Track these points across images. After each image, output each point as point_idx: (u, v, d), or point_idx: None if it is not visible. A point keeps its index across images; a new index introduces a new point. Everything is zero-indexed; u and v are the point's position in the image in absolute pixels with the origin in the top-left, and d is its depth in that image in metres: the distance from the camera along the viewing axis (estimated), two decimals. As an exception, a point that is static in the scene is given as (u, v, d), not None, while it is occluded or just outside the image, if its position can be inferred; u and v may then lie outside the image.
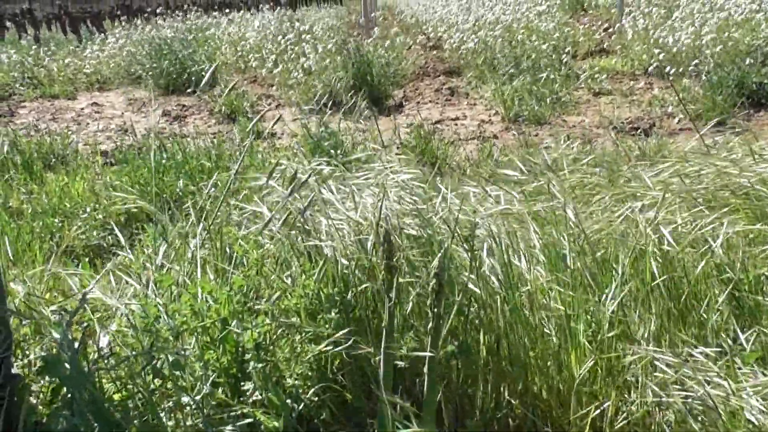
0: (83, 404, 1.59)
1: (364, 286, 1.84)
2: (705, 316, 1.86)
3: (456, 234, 1.90)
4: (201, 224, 2.37)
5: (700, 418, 1.58)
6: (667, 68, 6.94)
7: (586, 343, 1.79)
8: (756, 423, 1.48)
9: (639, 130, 5.65)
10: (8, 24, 13.62)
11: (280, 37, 9.06)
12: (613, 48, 8.71)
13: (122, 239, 2.78)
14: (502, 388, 1.86)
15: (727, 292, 1.78)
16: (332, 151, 4.73)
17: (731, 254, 1.88)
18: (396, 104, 7.25)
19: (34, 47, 10.84)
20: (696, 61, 6.82)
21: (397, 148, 5.23)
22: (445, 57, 9.31)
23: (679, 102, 6.06)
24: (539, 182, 2.58)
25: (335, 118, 5.49)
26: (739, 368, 1.63)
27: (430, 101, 7.23)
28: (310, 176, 2.19)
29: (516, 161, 2.79)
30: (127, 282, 2.13)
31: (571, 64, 7.86)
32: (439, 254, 1.53)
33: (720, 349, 1.71)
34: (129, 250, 2.72)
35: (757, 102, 6.01)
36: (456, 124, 6.28)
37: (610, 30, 9.40)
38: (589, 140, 5.42)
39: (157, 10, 12.54)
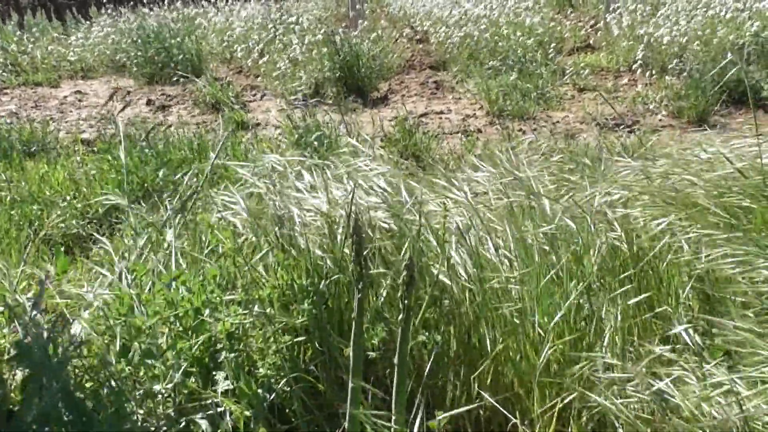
0: (54, 393, 1.59)
1: (335, 276, 1.85)
2: (673, 310, 1.89)
3: (428, 227, 1.91)
4: (179, 214, 2.37)
5: (668, 412, 1.61)
6: (651, 65, 6.97)
7: (541, 333, 1.81)
8: (717, 417, 1.51)
9: (622, 126, 5.69)
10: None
11: (270, 26, 9.01)
12: (598, 44, 8.74)
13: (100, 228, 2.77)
14: (472, 380, 1.88)
15: (689, 285, 1.81)
16: (316, 142, 4.73)
17: (697, 250, 1.90)
18: (381, 97, 7.24)
19: (18, 33, 10.72)
20: (678, 59, 6.87)
21: (381, 140, 5.23)
22: (432, 51, 9.30)
23: (661, 99, 6.11)
24: (518, 176, 2.60)
25: (320, 110, 5.48)
26: (707, 362, 1.66)
27: (416, 94, 7.23)
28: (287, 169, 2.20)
29: (497, 156, 2.81)
30: (101, 272, 2.13)
31: (557, 60, 7.88)
32: (406, 245, 1.54)
33: (686, 345, 1.74)
34: (106, 240, 2.72)
35: (738, 100, 6.07)
36: (441, 118, 6.29)
37: (597, 26, 9.43)
38: (572, 135, 5.46)
39: (144, -1, 12.44)
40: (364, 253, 1.48)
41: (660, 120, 5.82)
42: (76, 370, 1.78)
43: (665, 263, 1.89)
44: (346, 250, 1.86)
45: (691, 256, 1.87)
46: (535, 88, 6.65)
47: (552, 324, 1.79)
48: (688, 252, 1.87)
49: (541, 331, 1.80)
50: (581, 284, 1.85)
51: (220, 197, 2.34)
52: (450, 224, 2.00)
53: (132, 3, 11.69)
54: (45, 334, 1.79)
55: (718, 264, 1.78)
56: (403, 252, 1.85)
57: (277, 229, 1.99)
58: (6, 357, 1.81)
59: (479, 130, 5.83)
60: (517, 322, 1.86)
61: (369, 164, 2.42)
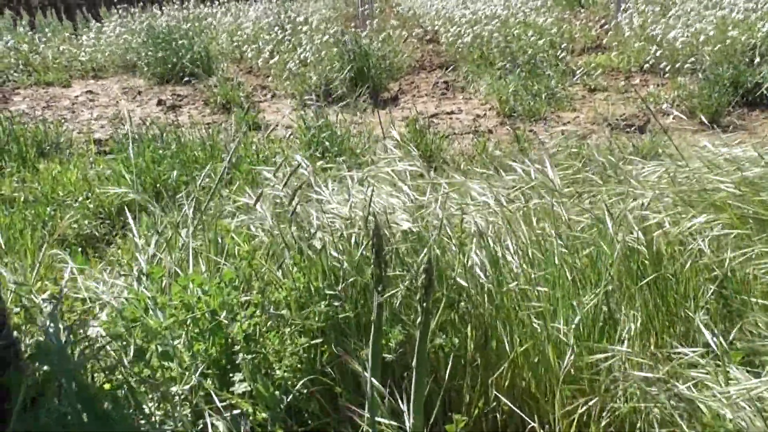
0: (71, 393, 1.59)
1: (352, 279, 1.84)
2: (692, 314, 1.87)
3: (446, 229, 1.91)
4: (193, 215, 2.37)
5: (686, 416, 1.59)
6: (663, 65, 6.94)
7: (563, 338, 1.79)
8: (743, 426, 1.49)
9: (633, 127, 5.66)
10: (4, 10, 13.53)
11: (276, 28, 9.02)
12: (609, 44, 8.70)
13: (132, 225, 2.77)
14: (490, 383, 1.88)
15: (713, 289, 1.79)
16: (327, 143, 4.73)
17: (719, 253, 1.89)
18: (392, 97, 7.24)
19: (29, 34, 10.76)
20: (692, 59, 6.83)
21: (392, 141, 5.22)
22: (442, 51, 9.29)
23: (673, 100, 6.08)
24: (531, 179, 2.59)
25: (331, 110, 5.48)
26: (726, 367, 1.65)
27: (426, 95, 7.22)
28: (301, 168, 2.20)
29: (510, 157, 2.79)
30: (118, 272, 2.14)
31: (567, 60, 7.86)
32: (426, 249, 1.53)
33: (707, 348, 1.72)
34: (125, 240, 2.72)
35: (751, 101, 6.03)
36: (451, 118, 6.28)
37: (607, 26, 9.39)
38: (583, 136, 5.44)
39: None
40: (383, 254, 1.48)
41: (672, 120, 5.79)
42: (94, 372, 1.78)
43: (686, 266, 1.88)
44: (365, 252, 1.85)
45: (712, 259, 1.85)
46: (545, 88, 6.62)
47: (572, 328, 1.78)
48: (709, 255, 1.85)
49: (563, 336, 1.79)
50: (600, 288, 1.84)
51: (236, 198, 2.35)
52: (467, 226, 2.00)
53: (142, 3, 11.73)
54: (63, 336, 1.80)
55: (741, 266, 1.77)
56: (422, 255, 1.84)
57: (294, 230, 1.99)
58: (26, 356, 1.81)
59: (490, 131, 5.81)
60: (536, 325, 1.85)
61: (385, 165, 2.42)
